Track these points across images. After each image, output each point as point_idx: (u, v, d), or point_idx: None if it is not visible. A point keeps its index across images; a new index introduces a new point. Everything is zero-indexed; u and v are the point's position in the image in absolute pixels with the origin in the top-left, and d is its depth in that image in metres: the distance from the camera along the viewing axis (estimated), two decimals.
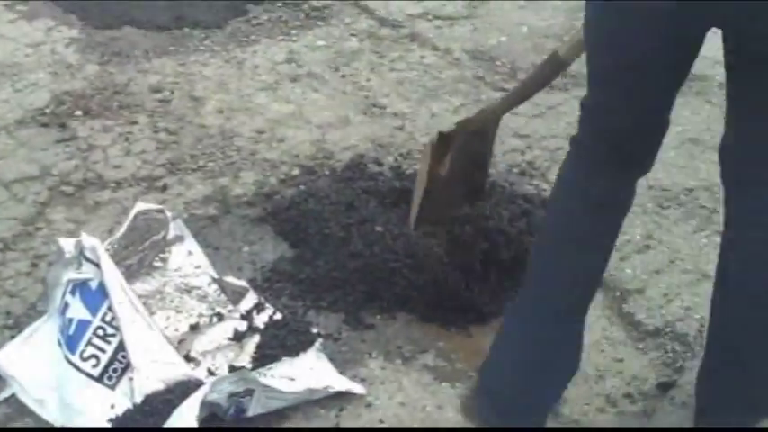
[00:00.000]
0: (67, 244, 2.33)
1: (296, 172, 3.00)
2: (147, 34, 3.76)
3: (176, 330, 2.32)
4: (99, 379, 2.17)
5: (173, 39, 3.75)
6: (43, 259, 2.60)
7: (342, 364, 2.33)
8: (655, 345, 2.43)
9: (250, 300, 2.44)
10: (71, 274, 2.28)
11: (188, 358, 2.25)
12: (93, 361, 2.18)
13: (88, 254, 2.27)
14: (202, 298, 2.44)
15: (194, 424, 1.99)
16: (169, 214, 2.57)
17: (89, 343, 2.20)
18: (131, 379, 2.14)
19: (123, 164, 3.02)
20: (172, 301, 2.41)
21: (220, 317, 2.38)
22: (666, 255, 2.74)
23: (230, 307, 2.41)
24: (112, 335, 2.20)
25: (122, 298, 2.22)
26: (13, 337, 2.34)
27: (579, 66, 2.20)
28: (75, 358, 2.19)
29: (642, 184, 2.98)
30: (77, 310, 2.24)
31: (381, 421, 2.18)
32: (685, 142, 3.19)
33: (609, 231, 2.10)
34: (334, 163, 3.05)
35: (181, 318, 2.36)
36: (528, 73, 2.56)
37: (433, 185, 2.54)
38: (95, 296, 2.25)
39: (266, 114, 3.31)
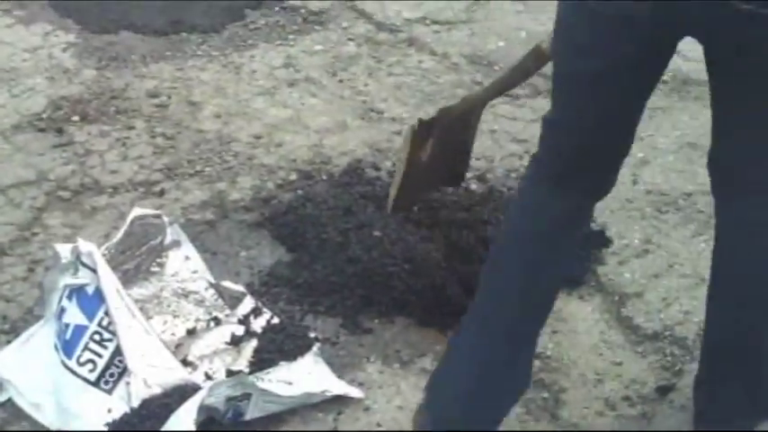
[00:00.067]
0: (64, 249, 2.32)
1: (293, 177, 2.99)
2: (144, 39, 3.76)
3: (173, 335, 2.32)
4: (96, 383, 2.16)
5: (170, 43, 3.75)
6: (40, 264, 2.60)
7: (340, 368, 2.32)
8: (653, 348, 2.43)
9: (247, 304, 2.44)
10: (68, 280, 2.27)
11: (185, 363, 2.24)
12: (90, 366, 2.17)
13: (85, 259, 2.27)
14: (199, 302, 2.43)
15: (192, 428, 1.98)
16: (166, 219, 2.56)
17: (86, 348, 2.19)
18: (128, 383, 2.13)
19: (120, 169, 3.01)
20: (169, 306, 2.40)
21: (218, 321, 2.37)
22: (665, 259, 2.73)
23: (228, 311, 2.41)
24: (109, 340, 2.19)
25: (119, 303, 2.21)
26: (9, 341, 2.33)
27: None
28: (72, 363, 2.18)
29: (640, 188, 3.01)
30: (74, 315, 2.23)
31: (379, 425, 2.18)
32: (684, 147, 3.20)
33: (562, 254, 2.07)
34: (331, 168, 3.04)
35: (178, 322, 2.36)
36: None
37: (412, 170, 2.56)
38: (92, 301, 2.24)
39: (264, 119, 3.31)
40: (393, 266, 2.50)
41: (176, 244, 2.55)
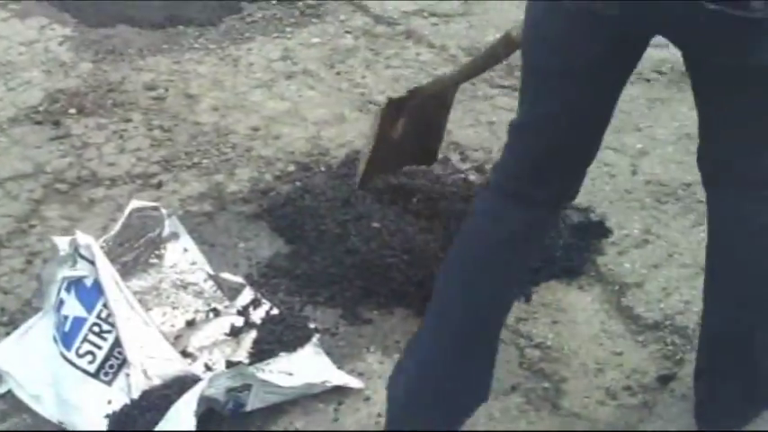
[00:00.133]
0: (62, 242, 2.32)
1: (291, 168, 2.99)
2: (141, 32, 3.75)
3: (173, 326, 2.31)
4: (95, 375, 2.15)
5: (167, 37, 3.74)
6: (38, 256, 2.59)
7: (339, 358, 2.32)
8: (654, 338, 2.42)
9: (246, 296, 2.43)
10: (66, 272, 2.27)
11: (185, 354, 2.24)
12: (90, 357, 2.17)
13: (83, 251, 2.26)
14: (198, 294, 2.43)
15: (192, 419, 1.97)
16: (164, 211, 2.55)
17: (85, 339, 2.19)
18: (128, 375, 2.13)
19: (118, 161, 3.00)
20: (168, 298, 2.40)
21: (217, 312, 2.37)
22: (665, 249, 2.73)
23: (227, 303, 2.40)
24: (108, 331, 2.19)
25: (118, 295, 2.21)
26: (8, 333, 2.33)
27: None
28: (71, 355, 2.18)
29: (639, 179, 3.01)
30: (73, 308, 2.23)
31: (380, 415, 2.17)
32: (683, 138, 3.19)
33: (523, 262, 2.03)
34: (329, 159, 3.03)
35: (177, 314, 2.35)
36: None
37: (381, 145, 2.63)
38: (91, 293, 2.23)
39: (261, 111, 3.30)
40: (392, 257, 2.49)
41: (174, 236, 2.54)
